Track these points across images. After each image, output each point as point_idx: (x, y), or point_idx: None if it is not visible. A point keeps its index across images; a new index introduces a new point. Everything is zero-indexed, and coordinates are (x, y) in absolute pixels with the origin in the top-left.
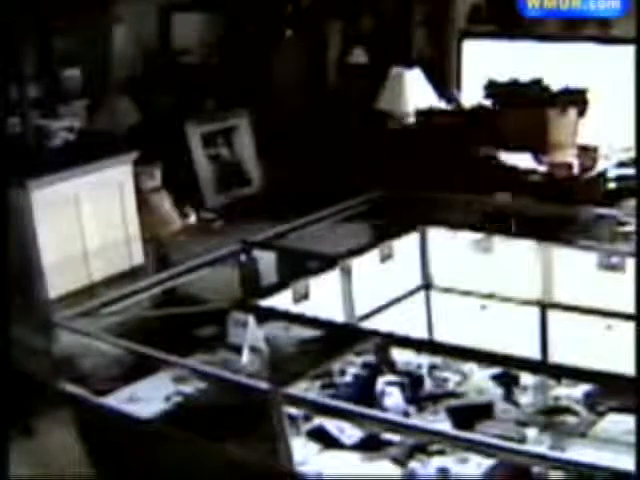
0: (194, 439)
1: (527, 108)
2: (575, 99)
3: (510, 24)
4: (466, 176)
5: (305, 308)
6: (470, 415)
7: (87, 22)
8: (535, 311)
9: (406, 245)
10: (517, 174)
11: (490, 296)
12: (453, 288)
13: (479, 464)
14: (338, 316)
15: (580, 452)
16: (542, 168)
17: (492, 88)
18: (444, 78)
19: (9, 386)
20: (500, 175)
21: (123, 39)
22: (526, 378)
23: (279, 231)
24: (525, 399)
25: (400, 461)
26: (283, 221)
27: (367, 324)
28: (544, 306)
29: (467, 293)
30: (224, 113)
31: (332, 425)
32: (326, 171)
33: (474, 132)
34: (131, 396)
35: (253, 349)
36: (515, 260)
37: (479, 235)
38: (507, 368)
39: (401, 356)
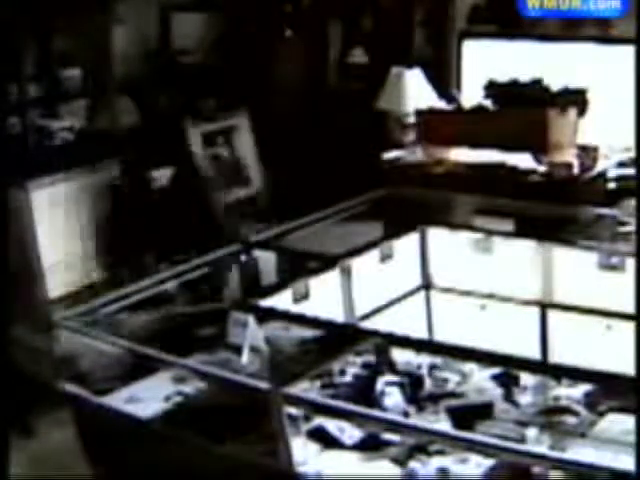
0: (194, 439)
1: (527, 108)
2: (575, 99)
3: (510, 24)
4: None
5: (305, 308)
6: (470, 415)
7: (87, 22)
8: (535, 311)
9: (406, 245)
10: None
11: (490, 296)
12: (453, 288)
13: (479, 464)
14: (338, 316)
15: (580, 452)
16: (542, 168)
17: (492, 88)
18: (444, 78)
19: (9, 386)
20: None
21: (123, 39)
22: (526, 378)
23: (279, 231)
24: (525, 399)
25: (400, 461)
26: (283, 221)
27: (367, 324)
28: (544, 306)
29: (467, 293)
30: (224, 113)
31: (332, 425)
32: (326, 171)
33: None
34: (131, 396)
35: (253, 349)
36: (515, 260)
37: (479, 235)
38: (507, 368)
39: (401, 356)
